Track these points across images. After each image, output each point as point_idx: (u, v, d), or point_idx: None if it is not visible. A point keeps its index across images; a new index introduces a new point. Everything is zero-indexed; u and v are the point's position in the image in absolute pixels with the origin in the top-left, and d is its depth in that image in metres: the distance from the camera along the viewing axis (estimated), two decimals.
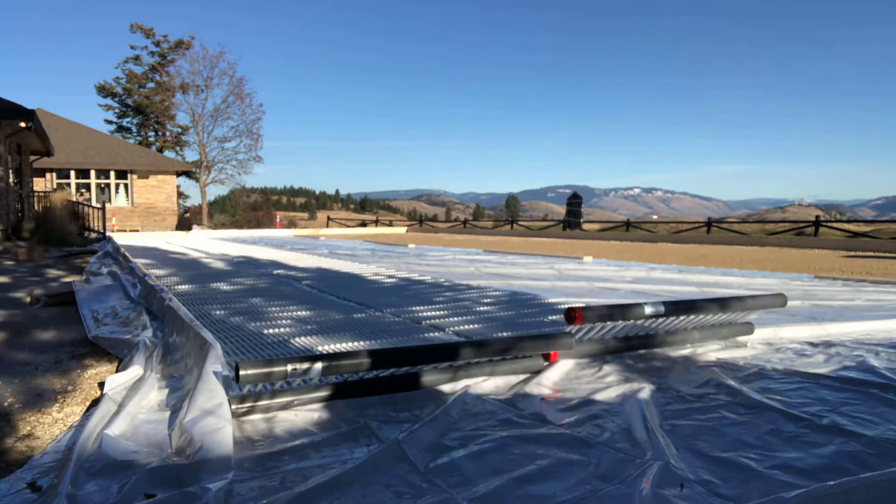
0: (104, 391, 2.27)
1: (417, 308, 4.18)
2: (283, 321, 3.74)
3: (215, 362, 2.26)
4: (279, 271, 7.06)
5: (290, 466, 1.69)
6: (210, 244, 13.73)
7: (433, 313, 3.98)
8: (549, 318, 3.82)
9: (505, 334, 3.31)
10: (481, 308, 4.23)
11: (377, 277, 6.34)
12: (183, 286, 5.55)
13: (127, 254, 8.88)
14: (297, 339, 3.17)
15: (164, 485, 1.53)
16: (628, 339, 2.92)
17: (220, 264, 8.20)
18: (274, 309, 4.20)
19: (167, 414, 2.13)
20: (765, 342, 3.20)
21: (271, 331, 3.43)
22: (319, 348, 2.99)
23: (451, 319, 3.76)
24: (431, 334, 3.34)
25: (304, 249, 11.30)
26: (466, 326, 3.52)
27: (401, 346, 2.76)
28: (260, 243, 14.07)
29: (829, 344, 3.14)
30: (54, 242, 13.60)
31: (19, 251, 9.89)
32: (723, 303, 3.06)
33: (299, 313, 4.02)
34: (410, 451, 1.75)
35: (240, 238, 17.88)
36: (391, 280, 6.12)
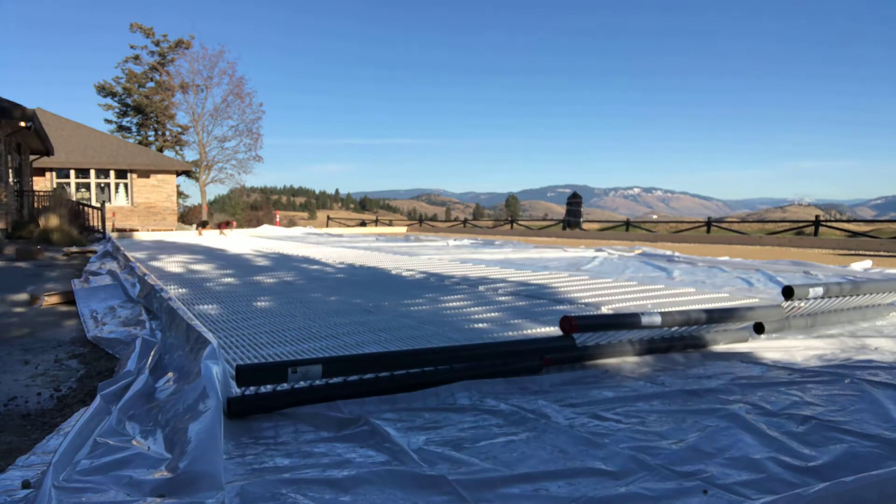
0: (98, 392, 2.26)
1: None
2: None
3: (214, 362, 2.25)
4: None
5: (288, 462, 1.68)
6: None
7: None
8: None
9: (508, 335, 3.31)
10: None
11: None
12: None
13: (127, 253, 8.87)
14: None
15: (157, 487, 1.52)
16: (631, 344, 2.93)
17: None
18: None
19: (164, 414, 2.11)
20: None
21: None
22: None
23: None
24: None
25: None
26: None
27: (399, 350, 2.74)
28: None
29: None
30: (54, 242, 13.59)
31: (19, 250, 9.88)
32: (719, 313, 3.11)
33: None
34: (413, 448, 1.75)
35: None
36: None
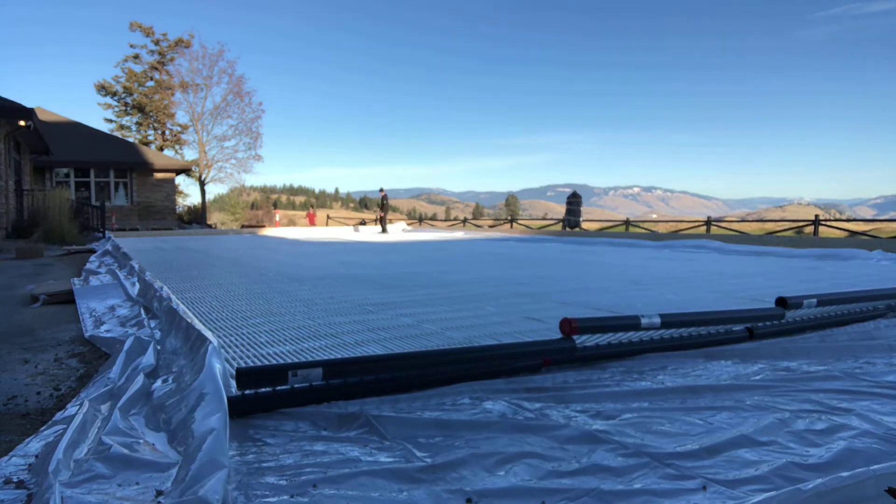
0: (95, 391, 2.25)
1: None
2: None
3: (214, 361, 2.25)
4: None
5: (289, 461, 1.68)
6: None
7: None
8: None
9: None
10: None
11: None
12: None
13: (126, 252, 8.87)
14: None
15: (162, 486, 1.52)
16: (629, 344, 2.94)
17: None
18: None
19: (166, 413, 2.11)
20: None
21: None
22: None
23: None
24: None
25: None
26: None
27: (401, 353, 2.75)
28: None
29: None
30: (54, 241, 13.59)
31: (19, 250, 9.88)
32: (718, 316, 3.12)
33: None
34: (414, 446, 1.75)
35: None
36: None
